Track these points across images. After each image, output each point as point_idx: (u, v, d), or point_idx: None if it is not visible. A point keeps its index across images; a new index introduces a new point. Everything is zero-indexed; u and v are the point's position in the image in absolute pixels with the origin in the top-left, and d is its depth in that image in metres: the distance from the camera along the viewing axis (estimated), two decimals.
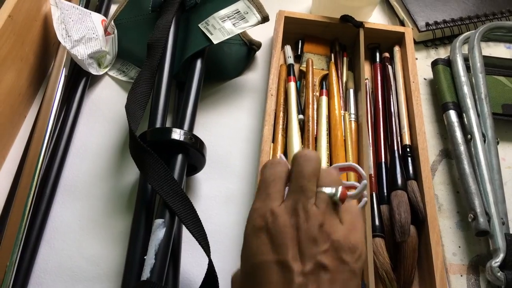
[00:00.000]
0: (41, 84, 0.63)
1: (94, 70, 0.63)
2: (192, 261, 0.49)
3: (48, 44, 0.63)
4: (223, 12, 0.61)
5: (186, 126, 0.53)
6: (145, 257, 0.43)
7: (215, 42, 0.59)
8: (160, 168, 0.47)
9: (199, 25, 0.61)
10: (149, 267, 0.42)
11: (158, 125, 0.54)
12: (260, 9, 0.61)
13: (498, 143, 0.58)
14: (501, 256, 0.48)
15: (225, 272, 0.49)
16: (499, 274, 0.47)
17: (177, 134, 0.50)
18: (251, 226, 0.34)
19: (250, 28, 0.60)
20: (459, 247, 0.53)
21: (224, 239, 0.51)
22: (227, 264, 0.50)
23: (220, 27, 0.60)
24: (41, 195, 0.51)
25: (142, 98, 0.55)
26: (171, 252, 0.47)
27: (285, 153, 0.57)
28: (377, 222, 0.50)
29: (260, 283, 0.31)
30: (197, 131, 0.60)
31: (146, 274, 0.41)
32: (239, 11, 0.61)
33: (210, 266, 0.43)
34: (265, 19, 0.61)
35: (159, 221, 0.45)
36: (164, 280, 0.44)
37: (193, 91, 0.56)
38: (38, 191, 0.50)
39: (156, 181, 0.46)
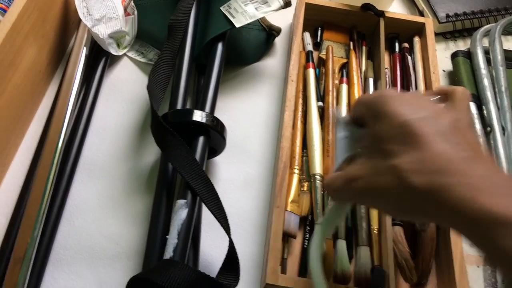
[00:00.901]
0: (60, 62, 0.62)
1: (113, 50, 0.62)
2: (211, 243, 0.49)
3: (68, 22, 0.63)
4: None
5: (207, 108, 0.53)
6: (167, 237, 0.43)
7: (237, 25, 0.58)
8: (183, 149, 0.47)
9: (221, 8, 0.60)
10: (172, 246, 0.42)
11: (179, 107, 0.53)
12: None
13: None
14: None
15: (243, 255, 0.49)
16: None
17: (199, 116, 0.50)
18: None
19: (272, 12, 0.60)
20: None
21: (243, 222, 0.51)
22: (245, 246, 0.50)
23: (243, 11, 0.59)
24: (61, 173, 0.51)
25: (163, 80, 0.55)
26: (193, 232, 0.47)
27: (304, 139, 0.57)
28: None
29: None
30: (216, 115, 0.60)
31: (169, 253, 0.42)
32: None
33: (231, 246, 0.43)
34: (287, 4, 0.60)
35: (181, 202, 0.45)
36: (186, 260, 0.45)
37: (215, 74, 0.56)
38: (58, 169, 0.50)
39: (178, 162, 0.46)
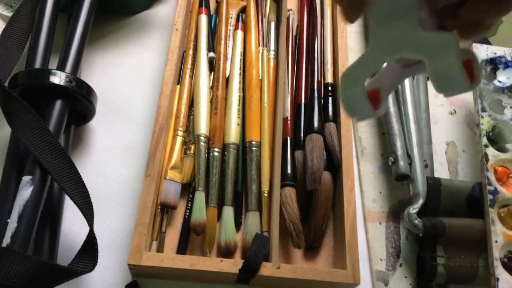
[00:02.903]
0: None
1: None
2: (76, 226, 0.43)
3: None
4: None
5: (68, 68, 0.46)
6: (8, 221, 0.37)
7: None
8: (30, 117, 0.40)
9: None
10: (11, 231, 0.36)
11: (37, 66, 0.46)
12: None
13: (428, 79, 0.53)
14: (420, 201, 0.44)
15: (120, 231, 0.44)
16: (416, 221, 0.43)
17: (54, 77, 0.43)
18: None
19: None
20: (380, 192, 0.49)
21: (119, 196, 0.46)
22: (120, 223, 0.44)
23: None
24: None
25: (19, 36, 0.47)
26: (49, 214, 0.41)
27: (192, 97, 0.50)
28: (288, 170, 0.45)
29: None
30: (93, 75, 0.52)
31: (6, 240, 0.36)
32: None
33: (90, 234, 0.38)
34: None
35: (26, 179, 0.38)
36: (37, 246, 0.39)
37: (80, 26, 0.48)
38: None
39: (23, 132, 0.39)
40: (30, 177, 0.38)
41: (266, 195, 0.45)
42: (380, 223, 0.47)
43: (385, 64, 0.26)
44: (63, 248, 0.41)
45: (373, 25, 0.26)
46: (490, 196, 0.43)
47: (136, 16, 0.58)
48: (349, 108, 0.27)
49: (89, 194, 0.40)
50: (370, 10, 0.25)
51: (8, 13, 0.56)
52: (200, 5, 0.56)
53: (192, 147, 0.47)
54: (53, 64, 0.48)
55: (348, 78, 0.27)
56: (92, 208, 0.39)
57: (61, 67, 0.46)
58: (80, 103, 0.45)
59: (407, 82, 0.51)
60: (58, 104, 0.43)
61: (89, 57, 0.53)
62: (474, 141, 0.52)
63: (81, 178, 0.40)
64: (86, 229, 0.38)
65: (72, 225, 0.43)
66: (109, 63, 0.54)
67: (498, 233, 0.42)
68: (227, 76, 0.52)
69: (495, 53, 0.51)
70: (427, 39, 0.23)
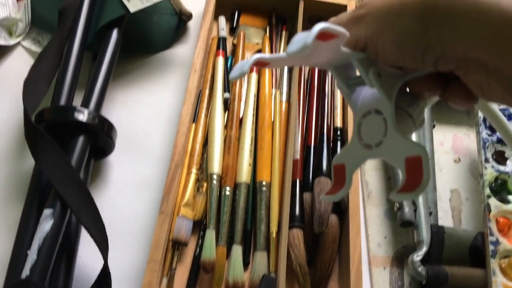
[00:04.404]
0: None
1: (1, 40, 0.56)
2: (90, 258, 0.45)
3: None
4: None
5: (92, 105, 0.48)
6: (28, 252, 0.39)
7: (132, 10, 0.53)
8: (53, 151, 0.42)
9: None
10: (30, 263, 0.38)
11: (62, 102, 0.48)
12: None
13: (434, 126, 0.55)
14: (424, 249, 0.45)
15: (132, 265, 0.45)
16: (420, 269, 0.44)
17: (79, 114, 0.45)
18: None
19: None
20: (385, 237, 0.50)
21: (133, 229, 0.47)
22: (133, 256, 0.46)
23: None
24: None
25: (47, 72, 0.50)
26: (66, 246, 0.43)
27: (206, 135, 0.52)
28: (297, 212, 0.47)
29: None
30: (114, 110, 0.55)
31: (25, 272, 0.37)
32: None
33: (105, 268, 0.39)
34: None
35: (47, 212, 0.40)
36: (53, 277, 0.41)
37: (105, 65, 0.51)
38: None
39: (47, 166, 0.42)
40: (51, 210, 0.40)
41: (274, 236, 0.46)
42: (384, 268, 0.48)
43: (349, 141, 0.29)
44: (77, 280, 0.43)
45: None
46: (491, 247, 0.44)
47: (157, 55, 0.61)
48: None
49: (105, 228, 0.41)
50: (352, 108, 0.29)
51: (36, 48, 0.59)
52: (218, 48, 0.59)
53: (205, 184, 0.49)
54: (77, 98, 0.50)
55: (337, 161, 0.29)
56: (107, 242, 0.41)
57: (85, 103, 0.48)
58: (101, 138, 0.48)
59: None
60: (81, 139, 0.45)
61: (111, 93, 0.56)
62: (477, 190, 0.53)
63: (99, 213, 0.42)
64: (100, 262, 0.40)
65: (87, 257, 0.45)
66: (130, 99, 0.56)
67: (499, 283, 0.43)
68: (240, 116, 0.54)
69: (498, 105, 0.53)
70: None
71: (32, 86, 0.48)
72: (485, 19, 0.21)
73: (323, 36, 0.23)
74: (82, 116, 0.45)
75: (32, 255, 0.38)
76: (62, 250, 0.42)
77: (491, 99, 0.24)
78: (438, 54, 0.23)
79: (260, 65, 0.27)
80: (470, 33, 0.22)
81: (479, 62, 0.22)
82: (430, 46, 0.23)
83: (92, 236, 0.40)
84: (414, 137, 0.52)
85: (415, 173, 0.24)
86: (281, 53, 0.26)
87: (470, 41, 0.22)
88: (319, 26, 0.22)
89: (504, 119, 0.33)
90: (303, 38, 0.23)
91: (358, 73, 0.28)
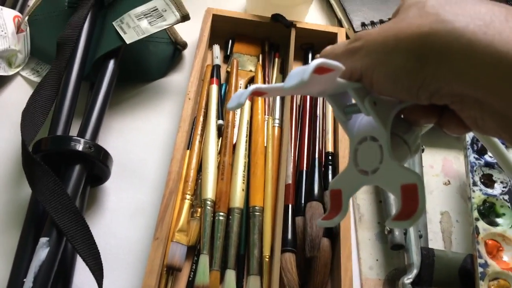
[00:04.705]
0: None
1: (1, 71, 0.58)
2: (89, 280, 0.45)
3: None
4: (140, 9, 0.57)
5: (88, 135, 0.49)
6: (24, 280, 0.39)
7: (128, 41, 0.55)
8: (50, 181, 0.43)
9: (113, 22, 0.57)
10: None
11: (59, 132, 0.50)
12: (179, 6, 0.57)
13: (423, 151, 0.56)
14: (414, 271, 0.46)
15: None
16: None
17: (75, 144, 0.47)
18: None
19: (168, 27, 0.57)
20: (377, 260, 0.51)
21: (127, 256, 0.48)
22: (128, 282, 0.47)
23: (135, 26, 0.56)
24: None
25: (45, 103, 0.52)
26: (62, 273, 0.43)
27: (200, 162, 0.54)
28: (289, 236, 0.48)
29: None
30: (110, 138, 0.56)
31: None
32: (157, 9, 0.57)
33: None
34: (184, 17, 0.57)
35: (43, 240, 0.41)
36: None
37: (101, 95, 0.53)
38: None
39: (43, 195, 0.43)
40: (47, 238, 0.41)
41: (267, 260, 0.47)
42: None
43: (346, 167, 0.29)
44: None
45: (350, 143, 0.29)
46: (480, 269, 0.45)
47: (153, 83, 0.62)
48: None
49: (100, 256, 0.42)
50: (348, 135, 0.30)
51: (34, 78, 0.61)
52: (212, 76, 0.61)
53: (199, 210, 0.50)
54: (75, 127, 0.51)
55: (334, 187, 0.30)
56: (102, 270, 0.42)
57: (82, 133, 0.49)
58: (97, 166, 0.49)
59: None
60: (77, 168, 0.46)
61: (107, 121, 0.57)
62: (467, 212, 0.54)
63: (94, 240, 0.43)
64: None
65: (83, 284, 0.45)
66: (126, 127, 0.58)
67: None
68: (234, 142, 0.55)
69: None
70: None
71: (29, 117, 0.50)
72: (480, 59, 0.22)
73: (320, 70, 0.24)
74: (79, 145, 0.47)
75: (28, 283, 0.39)
76: (58, 278, 0.43)
77: (485, 133, 0.25)
78: (433, 90, 0.24)
79: (257, 94, 0.28)
80: (465, 72, 0.22)
81: (474, 99, 0.23)
82: (425, 82, 0.23)
83: (87, 264, 0.41)
84: None
85: (410, 201, 0.24)
86: (278, 84, 0.26)
87: (465, 79, 0.22)
88: (315, 62, 0.23)
89: (503, 147, 0.33)
90: (300, 73, 0.23)
91: (353, 101, 0.28)
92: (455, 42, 0.22)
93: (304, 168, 0.54)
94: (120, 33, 0.56)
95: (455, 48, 0.22)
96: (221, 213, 0.49)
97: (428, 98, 0.24)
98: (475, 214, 0.48)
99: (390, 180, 0.26)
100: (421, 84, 0.24)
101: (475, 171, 0.51)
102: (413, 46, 0.23)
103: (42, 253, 0.40)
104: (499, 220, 0.49)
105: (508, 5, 0.24)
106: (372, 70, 0.25)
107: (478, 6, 0.23)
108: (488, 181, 0.51)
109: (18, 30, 0.61)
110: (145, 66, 0.63)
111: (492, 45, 0.22)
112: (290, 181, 0.52)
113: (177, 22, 0.57)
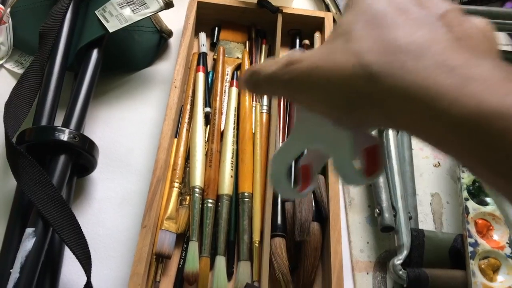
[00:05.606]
0: None
1: None
2: (75, 276, 0.45)
3: None
4: None
5: (73, 125, 0.49)
6: (10, 271, 0.39)
7: (110, 30, 0.54)
8: (34, 172, 0.43)
9: (96, 11, 0.56)
10: (13, 282, 0.38)
11: (43, 122, 0.49)
12: None
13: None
14: (404, 253, 0.46)
15: (116, 280, 0.46)
16: (401, 272, 0.45)
17: (59, 134, 0.46)
18: None
19: (152, 14, 0.56)
20: (368, 243, 0.50)
21: (116, 244, 0.48)
22: (117, 271, 0.46)
23: (118, 14, 0.55)
24: None
25: (28, 94, 0.51)
26: (50, 263, 0.43)
27: (188, 150, 0.53)
28: (279, 221, 0.48)
29: None
30: (97, 128, 0.56)
31: None
32: None
33: (87, 284, 0.40)
34: (168, 5, 0.56)
35: (29, 230, 0.41)
36: None
37: (85, 85, 0.52)
38: None
39: (28, 186, 0.42)
40: (33, 229, 0.41)
41: (257, 245, 0.47)
42: (367, 273, 0.48)
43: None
44: None
45: (296, 120, 0.29)
46: (470, 248, 0.45)
47: (139, 73, 0.62)
48: (276, 185, 0.31)
49: (88, 245, 0.42)
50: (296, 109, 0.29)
51: (18, 70, 0.60)
52: (198, 64, 0.60)
53: (188, 198, 0.50)
54: (59, 118, 0.51)
55: (275, 161, 0.30)
56: (90, 259, 0.41)
57: (66, 123, 0.49)
58: (82, 156, 0.48)
59: (391, 137, 0.54)
60: (62, 158, 0.46)
61: (93, 111, 0.56)
62: (457, 194, 0.54)
63: (81, 230, 0.42)
64: (84, 279, 0.40)
65: (71, 274, 0.45)
66: (112, 117, 0.57)
67: (479, 284, 0.43)
68: (221, 130, 0.55)
69: None
70: (331, 134, 0.25)
71: (13, 108, 0.49)
72: (402, 104, 0.21)
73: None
74: (63, 135, 0.46)
75: (14, 273, 0.38)
76: (46, 268, 0.42)
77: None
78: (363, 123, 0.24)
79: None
80: (393, 117, 0.21)
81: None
82: (359, 120, 0.23)
83: (74, 253, 0.40)
84: (393, 145, 0.53)
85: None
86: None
87: (395, 123, 0.22)
88: None
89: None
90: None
91: None
92: (377, 87, 0.21)
93: None
94: (102, 22, 0.55)
95: (377, 94, 0.21)
96: (210, 200, 0.49)
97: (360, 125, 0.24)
98: (465, 194, 0.48)
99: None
100: (354, 120, 0.23)
101: None
102: (342, 90, 0.22)
103: (28, 243, 0.40)
104: (488, 200, 0.49)
105: None
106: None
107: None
108: None
109: (1, 22, 0.60)
110: (130, 56, 0.62)
111: (411, 87, 0.20)
112: None
113: (161, 9, 0.56)
